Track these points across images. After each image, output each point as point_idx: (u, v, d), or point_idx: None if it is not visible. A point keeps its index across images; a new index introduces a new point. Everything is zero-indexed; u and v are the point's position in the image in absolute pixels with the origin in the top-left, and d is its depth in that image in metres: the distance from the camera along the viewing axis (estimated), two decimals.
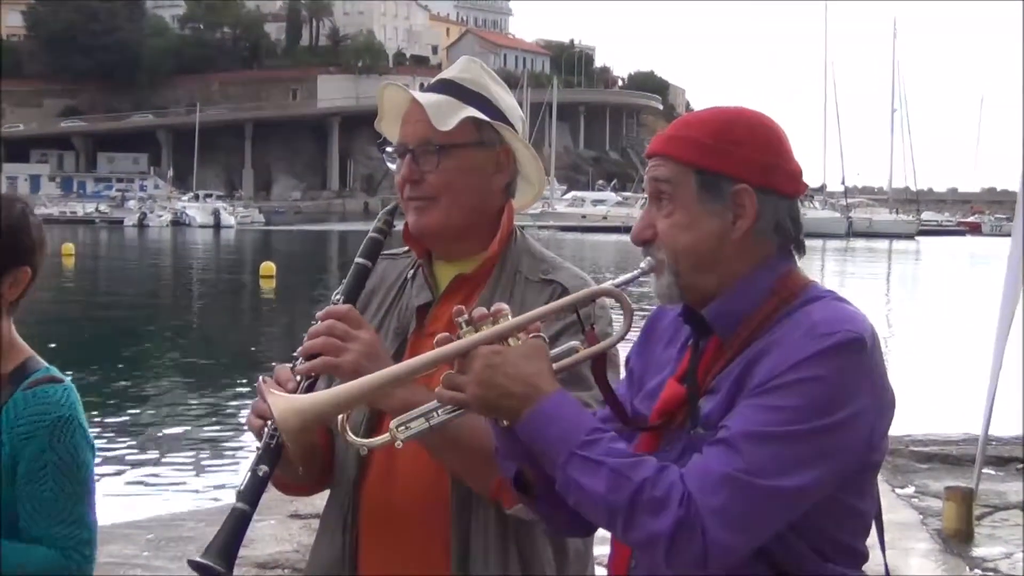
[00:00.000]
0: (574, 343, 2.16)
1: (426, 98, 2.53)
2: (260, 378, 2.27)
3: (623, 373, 2.33)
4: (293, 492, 2.71)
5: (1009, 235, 9.06)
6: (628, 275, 2.11)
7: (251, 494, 2.28)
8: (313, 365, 2.34)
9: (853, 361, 1.96)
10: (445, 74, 2.63)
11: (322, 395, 2.10)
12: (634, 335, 2.24)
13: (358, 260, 2.53)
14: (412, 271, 2.66)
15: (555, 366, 2.06)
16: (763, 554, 1.97)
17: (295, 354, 2.40)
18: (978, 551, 7.75)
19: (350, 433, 2.09)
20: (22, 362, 2.71)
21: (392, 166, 2.60)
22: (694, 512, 1.88)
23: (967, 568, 7.46)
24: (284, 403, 2.01)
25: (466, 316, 2.03)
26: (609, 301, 2.21)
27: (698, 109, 2.22)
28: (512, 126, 2.60)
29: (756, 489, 1.89)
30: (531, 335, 2.05)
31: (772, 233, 2.09)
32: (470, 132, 2.52)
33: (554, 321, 2.34)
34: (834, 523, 2.03)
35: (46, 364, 2.73)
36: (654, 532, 1.89)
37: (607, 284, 2.10)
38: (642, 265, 2.11)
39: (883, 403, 2.02)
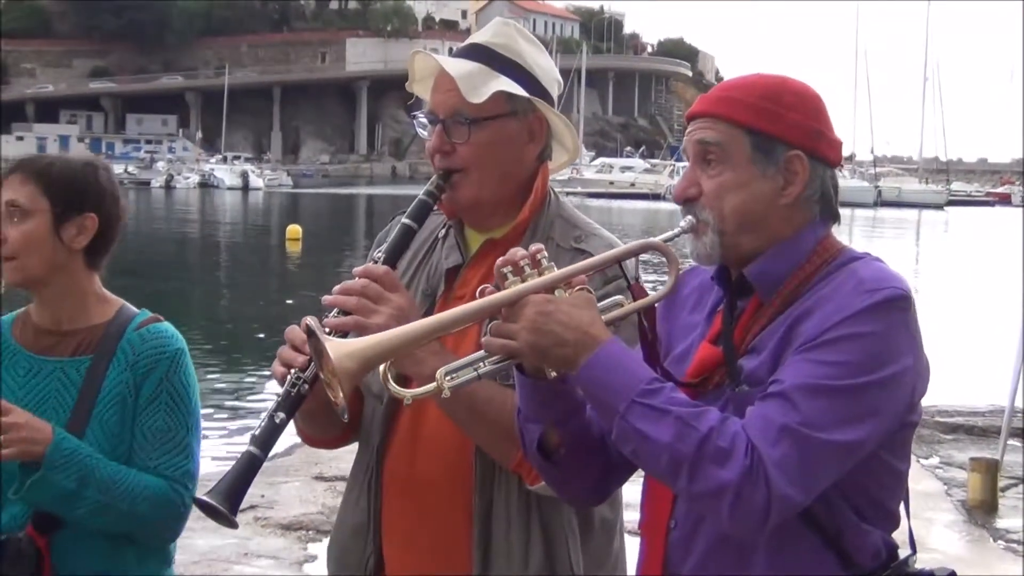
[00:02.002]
0: (618, 297, 2.14)
1: (457, 68, 2.47)
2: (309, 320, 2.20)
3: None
4: (316, 444, 2.72)
5: None
6: (670, 232, 2.11)
7: (265, 440, 2.26)
8: (343, 322, 2.32)
9: (900, 318, 1.98)
10: (477, 38, 2.57)
11: (372, 339, 2.00)
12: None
13: (405, 221, 2.49)
14: (444, 230, 2.63)
15: (603, 318, 2.04)
16: (807, 515, 1.97)
17: (324, 302, 2.38)
18: (1002, 522, 7.75)
19: (392, 383, 2.02)
20: (119, 309, 2.78)
21: (422, 132, 2.55)
22: (759, 462, 1.87)
23: (990, 539, 7.46)
24: (336, 347, 1.95)
25: (510, 268, 2.01)
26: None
27: (732, 76, 2.22)
28: (547, 92, 2.56)
29: (813, 442, 1.90)
30: (577, 288, 2.03)
31: (817, 200, 2.11)
32: (502, 103, 2.47)
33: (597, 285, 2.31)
34: (875, 483, 2.04)
35: (138, 309, 2.79)
36: (721, 482, 1.88)
37: (654, 239, 2.10)
38: (682, 224, 2.11)
39: (922, 364, 2.03)
